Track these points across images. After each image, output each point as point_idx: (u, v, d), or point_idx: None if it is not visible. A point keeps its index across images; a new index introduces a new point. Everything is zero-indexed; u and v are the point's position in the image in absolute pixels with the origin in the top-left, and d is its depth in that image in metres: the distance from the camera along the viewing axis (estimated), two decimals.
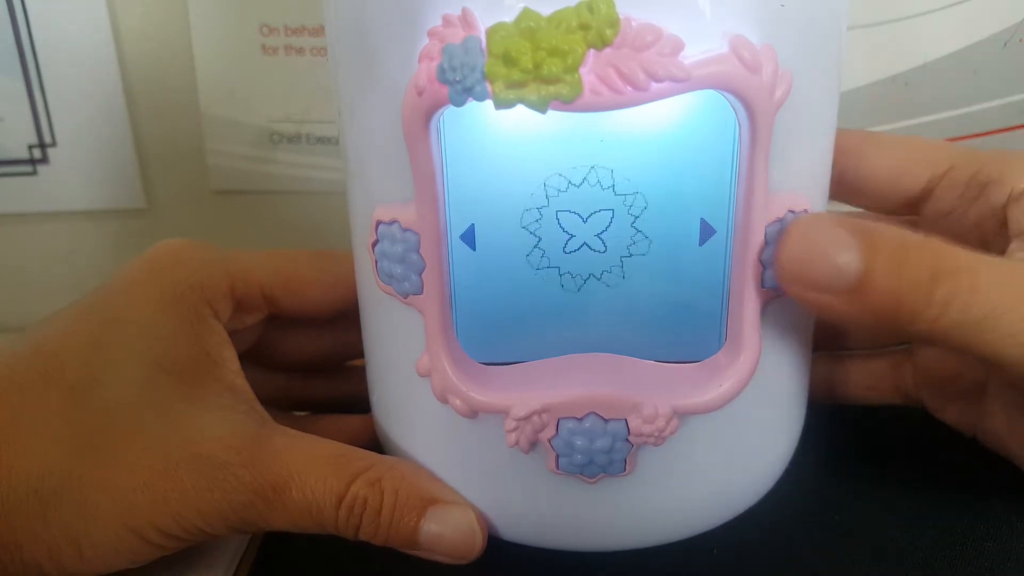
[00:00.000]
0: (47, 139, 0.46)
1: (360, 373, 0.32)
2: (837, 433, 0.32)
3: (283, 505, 0.24)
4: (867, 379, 0.32)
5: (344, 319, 0.31)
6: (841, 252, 0.21)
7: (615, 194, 0.24)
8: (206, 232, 0.49)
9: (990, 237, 0.28)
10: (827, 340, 0.32)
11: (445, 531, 0.25)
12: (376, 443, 0.29)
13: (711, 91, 0.20)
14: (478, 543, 0.25)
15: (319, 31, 0.44)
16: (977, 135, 0.42)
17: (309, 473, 0.24)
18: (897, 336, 0.32)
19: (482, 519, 0.26)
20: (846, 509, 0.29)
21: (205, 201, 0.48)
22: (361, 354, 0.29)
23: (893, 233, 0.22)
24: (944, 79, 0.42)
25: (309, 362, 0.34)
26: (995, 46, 0.41)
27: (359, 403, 0.33)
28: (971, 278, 0.22)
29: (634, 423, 0.23)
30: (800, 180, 0.23)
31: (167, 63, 0.45)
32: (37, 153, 0.46)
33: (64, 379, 0.25)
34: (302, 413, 0.35)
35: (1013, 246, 0.27)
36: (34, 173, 0.47)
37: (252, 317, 0.30)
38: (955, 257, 0.22)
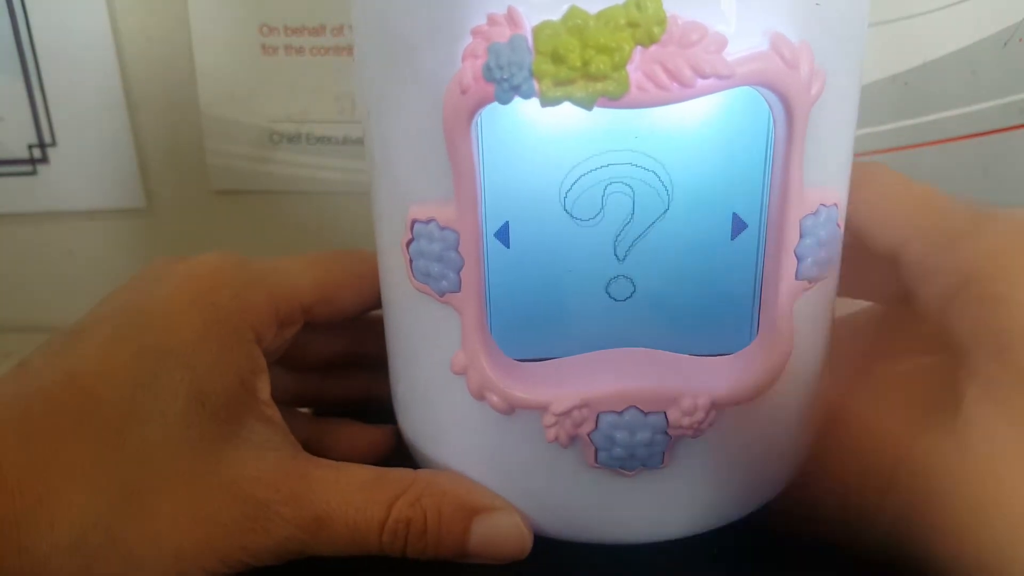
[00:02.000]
0: (47, 139, 0.45)
1: (372, 371, 0.32)
2: None
3: (326, 536, 0.25)
4: None
5: (361, 318, 0.31)
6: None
7: (648, 189, 0.24)
8: (206, 232, 0.49)
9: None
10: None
11: (494, 537, 0.25)
12: (398, 449, 0.29)
13: (746, 87, 0.21)
14: (527, 542, 0.25)
15: (319, 31, 0.44)
16: (977, 135, 0.43)
17: (349, 503, 0.25)
18: None
19: (526, 517, 0.26)
20: None
21: (205, 201, 0.48)
22: (376, 351, 0.29)
23: None
24: (944, 79, 0.42)
25: (327, 361, 0.34)
26: (995, 46, 0.41)
27: (374, 400, 0.33)
28: None
29: (673, 416, 0.23)
30: (829, 175, 0.24)
31: (167, 63, 0.45)
32: (37, 153, 0.46)
33: (102, 418, 0.24)
34: (305, 410, 0.35)
35: (969, 394, 0.23)
36: (34, 173, 0.46)
37: (290, 331, 0.30)
38: None
